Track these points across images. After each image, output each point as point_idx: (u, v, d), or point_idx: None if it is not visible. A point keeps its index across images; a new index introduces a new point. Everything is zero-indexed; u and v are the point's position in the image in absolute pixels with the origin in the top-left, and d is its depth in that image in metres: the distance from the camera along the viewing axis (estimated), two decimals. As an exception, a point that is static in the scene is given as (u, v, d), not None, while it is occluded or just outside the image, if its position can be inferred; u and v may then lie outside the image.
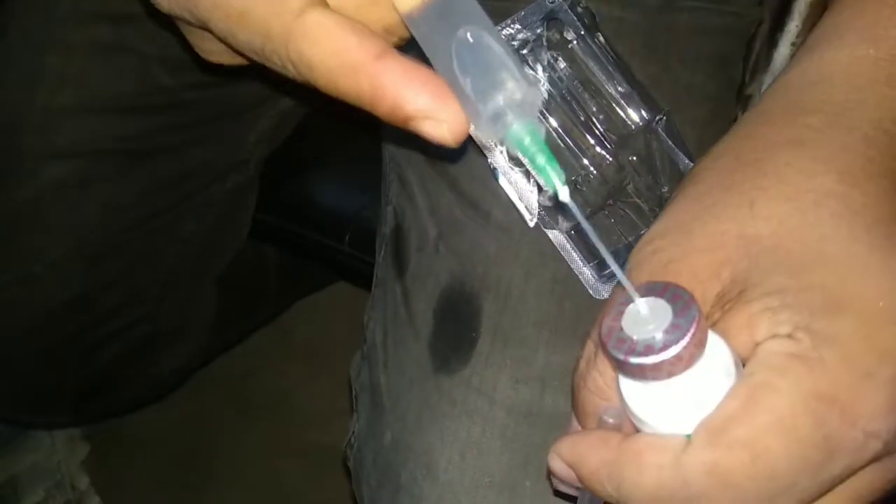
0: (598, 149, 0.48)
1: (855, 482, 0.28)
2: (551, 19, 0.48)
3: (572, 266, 0.48)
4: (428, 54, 0.32)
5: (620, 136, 0.48)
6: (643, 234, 0.35)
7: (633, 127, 0.48)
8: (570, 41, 0.48)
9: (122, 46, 0.62)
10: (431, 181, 0.51)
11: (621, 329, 0.28)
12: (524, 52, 0.48)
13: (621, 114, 0.48)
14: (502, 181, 0.48)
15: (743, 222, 0.31)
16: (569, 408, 0.36)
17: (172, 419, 1.06)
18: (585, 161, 0.48)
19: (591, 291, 0.47)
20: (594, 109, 0.48)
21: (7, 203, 0.64)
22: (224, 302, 0.81)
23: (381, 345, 0.51)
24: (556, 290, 0.47)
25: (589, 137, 0.48)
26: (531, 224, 0.48)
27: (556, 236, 0.48)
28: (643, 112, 0.48)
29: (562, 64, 0.48)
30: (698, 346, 0.27)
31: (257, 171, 0.75)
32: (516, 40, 0.48)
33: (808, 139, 0.32)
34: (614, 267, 0.29)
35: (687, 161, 0.48)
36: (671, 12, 0.51)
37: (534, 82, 0.32)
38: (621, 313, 0.29)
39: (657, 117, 0.48)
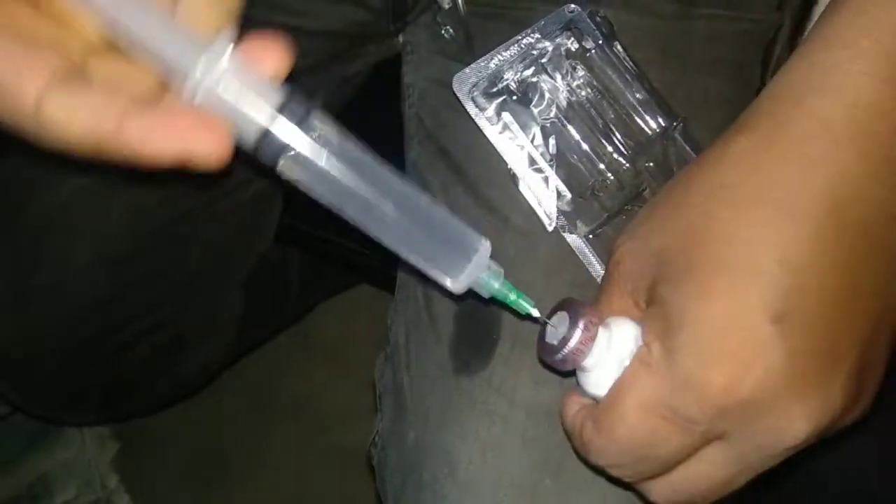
0: (615, 155, 0.49)
1: (696, 466, 0.36)
2: (570, 28, 0.49)
3: (590, 270, 0.48)
4: (361, 225, 0.36)
5: (638, 143, 0.49)
6: None
7: (650, 134, 0.49)
8: (589, 50, 0.49)
9: None
10: (452, 186, 0.52)
11: (544, 339, 0.39)
12: (543, 61, 0.49)
13: (639, 121, 0.49)
14: (522, 186, 0.49)
15: (660, 236, 0.37)
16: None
17: (197, 419, 1.07)
18: (603, 167, 0.49)
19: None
20: (612, 117, 0.49)
21: (37, 208, 0.65)
22: (248, 304, 0.81)
23: (404, 347, 0.52)
24: (574, 293, 0.47)
25: (607, 144, 0.49)
26: (550, 229, 0.49)
27: (574, 240, 0.48)
28: (660, 119, 0.49)
29: (581, 72, 0.49)
30: (584, 343, 0.37)
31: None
32: (536, 49, 0.49)
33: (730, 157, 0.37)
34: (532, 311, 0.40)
35: (704, 166, 0.49)
36: (688, 20, 0.52)
37: (479, 238, 0.37)
38: (546, 330, 0.40)
39: (674, 124, 0.49)
